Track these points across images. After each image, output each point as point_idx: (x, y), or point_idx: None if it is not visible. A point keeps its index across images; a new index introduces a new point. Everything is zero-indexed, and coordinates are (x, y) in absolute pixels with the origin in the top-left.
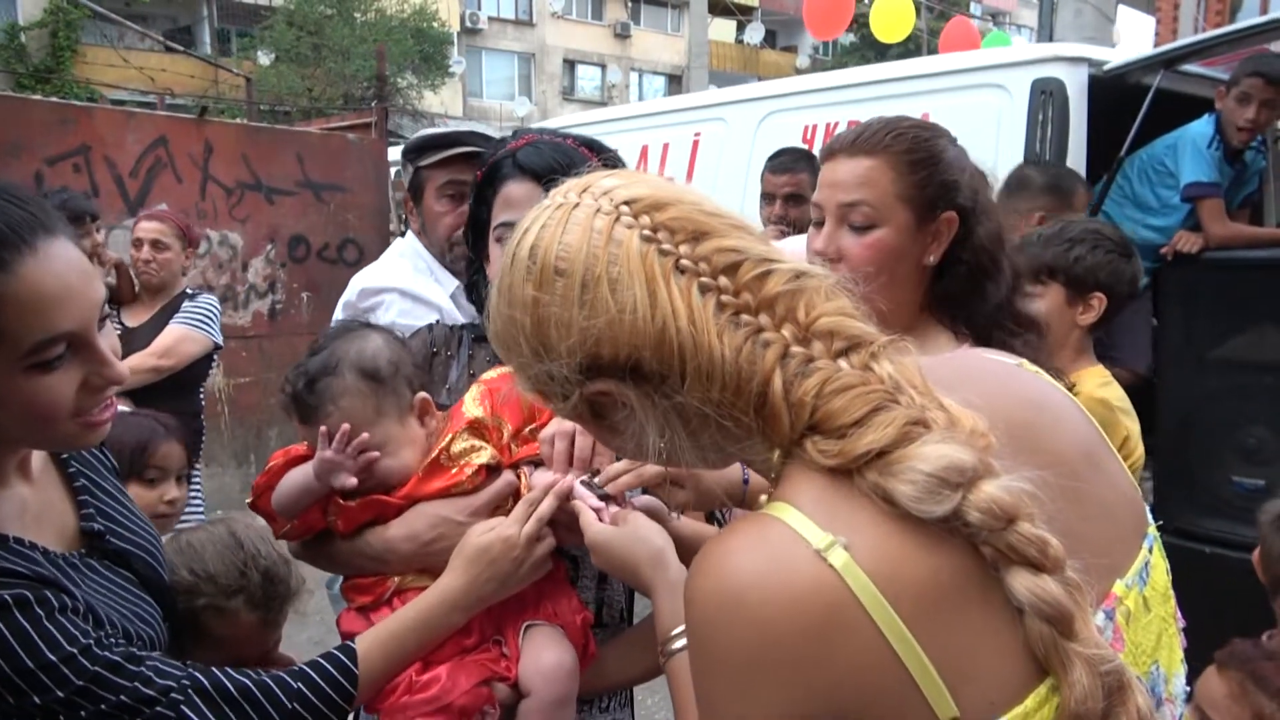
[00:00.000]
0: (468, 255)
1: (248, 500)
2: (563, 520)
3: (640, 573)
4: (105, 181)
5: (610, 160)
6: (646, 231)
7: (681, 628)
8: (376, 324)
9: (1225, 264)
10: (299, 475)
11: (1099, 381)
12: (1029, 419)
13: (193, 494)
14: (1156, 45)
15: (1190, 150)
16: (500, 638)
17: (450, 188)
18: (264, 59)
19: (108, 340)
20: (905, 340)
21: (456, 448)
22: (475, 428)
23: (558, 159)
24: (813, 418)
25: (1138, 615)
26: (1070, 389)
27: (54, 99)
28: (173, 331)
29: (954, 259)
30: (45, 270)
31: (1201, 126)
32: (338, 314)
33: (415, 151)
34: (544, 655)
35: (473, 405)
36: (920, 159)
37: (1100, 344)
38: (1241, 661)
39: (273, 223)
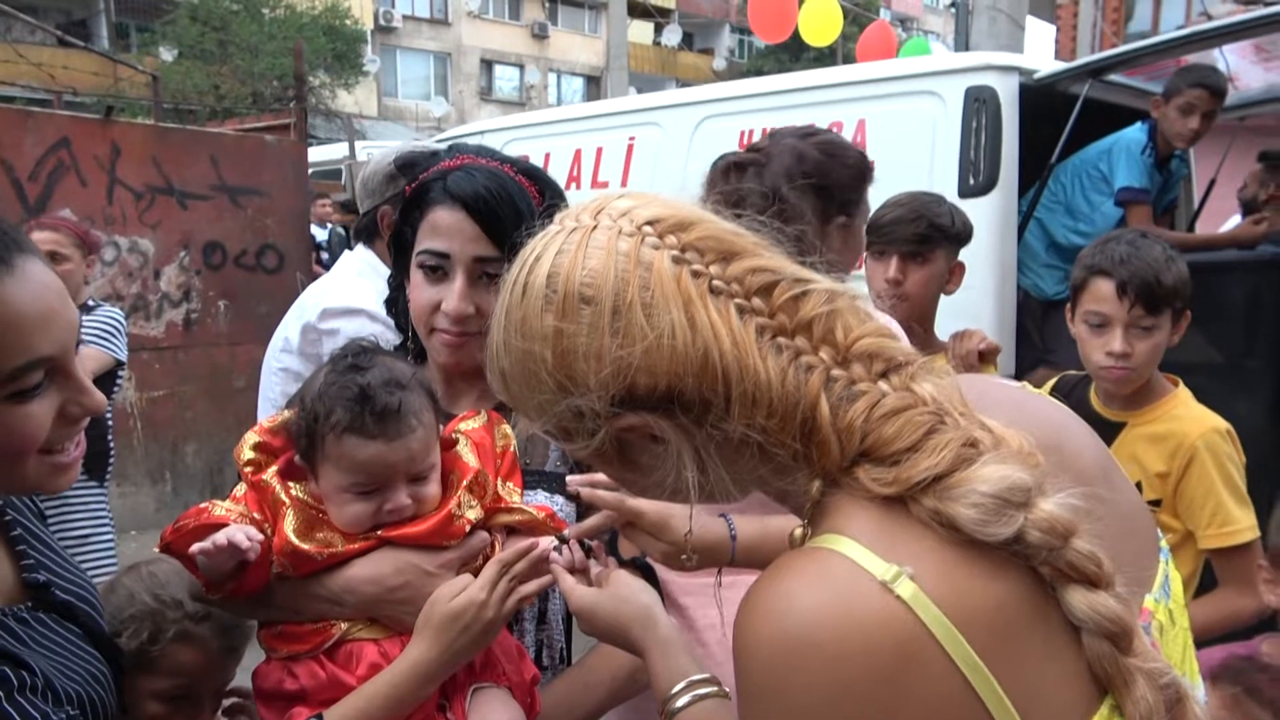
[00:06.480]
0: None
1: (155, 548)
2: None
3: (630, 633)
4: (1, 185)
5: (553, 197)
6: (675, 253)
7: (683, 684)
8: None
9: None
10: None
11: (1202, 408)
12: (1052, 441)
13: (102, 515)
14: (1056, 53)
15: (1125, 156)
16: (445, 702)
17: None
18: (167, 55)
19: (82, 366)
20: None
21: (463, 499)
22: (476, 482)
23: (490, 187)
24: (863, 444)
25: (1167, 629)
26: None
27: None
28: None
29: None
30: (23, 290)
31: (1135, 133)
32: (292, 335)
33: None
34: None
35: (470, 454)
36: None
37: (1034, 349)
38: (1235, 675)
39: (186, 228)
